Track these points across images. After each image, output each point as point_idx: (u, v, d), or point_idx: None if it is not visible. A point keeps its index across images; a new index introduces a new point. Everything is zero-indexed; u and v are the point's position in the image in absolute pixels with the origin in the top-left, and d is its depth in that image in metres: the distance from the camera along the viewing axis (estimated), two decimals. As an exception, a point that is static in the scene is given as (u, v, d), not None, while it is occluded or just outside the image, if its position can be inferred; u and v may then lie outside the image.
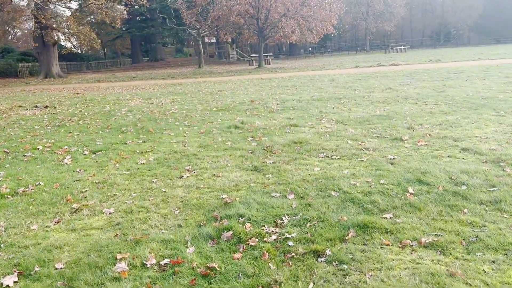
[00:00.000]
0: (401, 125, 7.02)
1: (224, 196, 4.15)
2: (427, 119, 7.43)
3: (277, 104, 10.70)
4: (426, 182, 4.18)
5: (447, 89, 11.08)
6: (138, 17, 54.19)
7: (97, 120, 9.72)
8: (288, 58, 53.54)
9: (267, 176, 4.77)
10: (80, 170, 5.54)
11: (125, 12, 37.44)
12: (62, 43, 41.55)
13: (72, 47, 33.59)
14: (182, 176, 4.97)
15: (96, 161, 5.98)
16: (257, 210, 3.75)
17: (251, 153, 5.86)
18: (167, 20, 39.33)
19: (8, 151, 6.86)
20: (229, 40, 56.11)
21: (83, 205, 4.17)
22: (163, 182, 4.80)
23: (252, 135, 7.07)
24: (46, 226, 3.74)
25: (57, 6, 41.61)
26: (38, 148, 6.91)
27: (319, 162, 5.22)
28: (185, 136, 7.41)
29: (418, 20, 73.22)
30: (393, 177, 4.41)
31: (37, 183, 5.01)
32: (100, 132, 8.24)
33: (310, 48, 68.34)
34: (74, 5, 43.92)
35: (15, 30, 60.20)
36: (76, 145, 7.11)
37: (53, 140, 7.56)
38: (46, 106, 13.06)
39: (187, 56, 65.79)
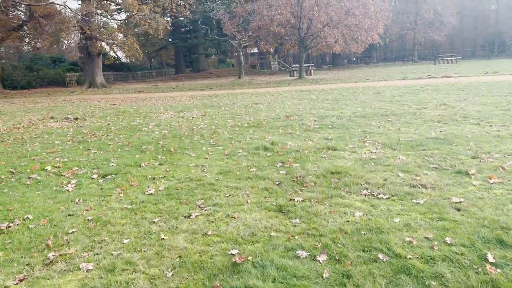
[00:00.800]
0: (463, 153, 5.77)
1: (234, 252, 3.19)
2: (496, 145, 6.12)
3: (315, 121, 9.65)
4: (511, 244, 3.03)
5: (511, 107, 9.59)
6: (182, 29, 55.01)
7: (121, 136, 9.11)
8: (330, 69, 52.11)
9: (293, 221, 3.76)
10: (79, 200, 4.78)
11: (167, 23, 37.85)
12: (111, 53, 42.59)
13: (116, 57, 34.16)
14: (190, 215, 4.07)
15: (101, 189, 5.21)
16: (274, 281, 2.76)
17: (277, 184, 4.88)
18: (209, 31, 39.27)
19: (14, 171, 6.28)
20: (271, 50, 55.61)
21: (60, 255, 3.35)
22: (166, 223, 3.92)
23: (282, 159, 6.09)
24: (4, 287, 2.94)
25: (104, 18, 42.89)
26: (46, 169, 6.29)
27: (361, 202, 4.15)
28: (207, 158, 6.54)
29: (469, 30, 69.42)
30: (462, 232, 3.27)
31: (26, 217, 4.29)
32: (119, 150, 7.56)
33: (354, 59, 66.58)
34: (121, 17, 45.00)
35: (69, 41, 62.83)
36: (87, 166, 6.42)
37: (66, 159, 6.94)
38: (76, 118, 12.74)
39: (229, 66, 66.08)
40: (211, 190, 4.86)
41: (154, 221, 3.98)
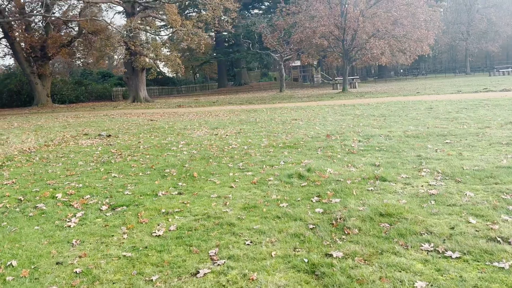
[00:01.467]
0: (552, 189, 4.55)
1: None
2: None
3: (359, 141, 8.58)
4: None
5: None
6: (225, 43, 55.36)
7: (147, 156, 8.49)
8: (376, 81, 50.21)
9: (329, 291, 2.80)
10: (76, 241, 4.07)
11: (210, 38, 37.99)
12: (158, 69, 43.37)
13: (158, 72, 34.56)
14: (198, 272, 3.21)
15: (105, 225, 4.49)
16: None
17: (311, 229, 3.92)
18: (251, 44, 38.99)
19: (23, 198, 5.74)
20: (314, 63, 54.62)
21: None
22: (165, 284, 3.08)
23: (318, 191, 5.13)
24: None
25: (150, 34, 43.87)
26: (56, 197, 5.69)
27: (422, 264, 3.11)
28: (232, 187, 5.69)
29: (528, 39, 64.87)
30: None
31: (9, 263, 3.62)
32: (140, 174, 6.90)
33: (401, 70, 64.09)
34: (166, 33, 45.92)
35: (116, 56, 65.10)
36: (101, 194, 5.77)
37: (81, 184, 6.34)
38: (109, 135, 12.39)
39: (271, 79, 65.62)
40: (229, 233, 3.99)
41: (152, 280, 3.16)
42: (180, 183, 6.05)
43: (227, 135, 11.06)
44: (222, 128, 12.66)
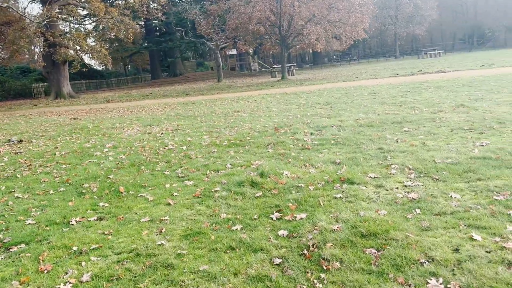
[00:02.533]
0: (543, 184, 3.94)
1: None
2: None
3: (311, 134, 7.74)
4: None
5: (551, 105, 7.87)
6: (156, 32, 52.64)
7: (63, 166, 7.01)
8: (312, 68, 50.54)
9: None
10: None
11: (137, 26, 35.55)
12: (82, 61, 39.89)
13: (83, 65, 31.59)
14: None
15: (-13, 281, 3.18)
16: None
17: (278, 266, 2.93)
18: (184, 33, 37.10)
19: None
20: (250, 51, 53.83)
21: None
22: None
23: (278, 203, 4.16)
24: None
25: (72, 24, 40.29)
26: None
27: (441, 317, 2.24)
28: (169, 203, 4.55)
29: (448, 23, 68.95)
30: None
31: None
32: (51, 191, 5.49)
33: (334, 57, 65.34)
34: (90, 22, 42.42)
35: (33, 49, 59.71)
36: (-8, 225, 4.35)
37: (-32, 213, 4.84)
38: (21, 141, 10.53)
39: (208, 69, 63.90)
40: (166, 281, 2.88)
41: None
42: (101, 203, 4.78)
43: (162, 133, 9.76)
44: (156, 125, 11.30)
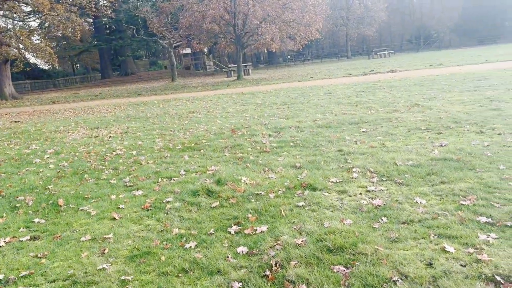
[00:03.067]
0: (504, 186, 3.87)
1: None
2: (538, 167, 4.31)
3: (269, 135, 7.47)
4: None
5: (500, 105, 8.06)
6: (106, 30, 50.58)
7: (-3, 175, 6.29)
8: (267, 68, 50.66)
9: None
10: None
11: (86, 24, 33.97)
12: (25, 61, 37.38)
13: (26, 63, 29.56)
14: None
15: None
16: None
17: (238, 291, 2.60)
18: (135, 31, 35.82)
19: None
20: (204, 50, 53.26)
21: None
22: None
23: (236, 214, 3.82)
24: None
25: (13, 20, 37.78)
26: None
27: None
28: (115, 218, 4.08)
29: (397, 24, 71.71)
30: None
31: None
32: (-22, 207, 4.83)
33: (289, 56, 65.98)
34: (33, 19, 39.97)
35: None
36: None
37: None
38: (-51, 147, 9.49)
39: (161, 68, 62.36)
40: (108, 317, 2.46)
41: None
42: (36, 219, 4.22)
43: (110, 136, 9.13)
44: (104, 128, 10.60)
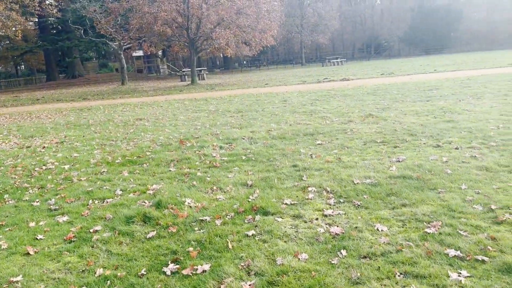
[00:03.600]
0: (469, 209, 3.60)
1: None
2: (500, 187, 4.10)
3: (220, 147, 6.96)
4: None
5: (453, 116, 8.05)
6: (53, 30, 47.91)
7: None
8: (223, 73, 50.16)
9: None
10: None
11: (31, 23, 31.91)
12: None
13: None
14: None
15: None
16: None
17: None
18: (83, 31, 34.04)
19: None
20: (157, 52, 52.06)
21: None
22: None
23: (175, 248, 3.27)
24: None
25: None
26: None
27: None
28: (29, 252, 3.40)
29: (349, 33, 73.86)
30: None
31: None
32: None
33: (245, 62, 65.88)
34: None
35: None
36: None
37: None
38: None
39: (112, 71, 60.04)
40: None
41: None
42: None
43: (44, 147, 8.23)
44: (39, 137, 9.63)
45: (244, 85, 22.88)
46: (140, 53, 48.30)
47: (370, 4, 72.53)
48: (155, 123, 10.49)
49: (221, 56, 63.10)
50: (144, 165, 6.15)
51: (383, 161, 5.32)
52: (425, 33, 58.83)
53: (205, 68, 47.76)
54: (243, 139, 7.50)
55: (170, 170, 5.72)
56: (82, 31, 34.53)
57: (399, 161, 5.26)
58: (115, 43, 33.23)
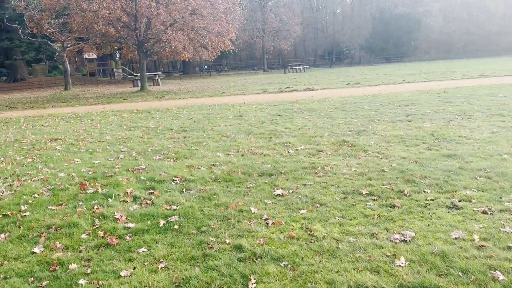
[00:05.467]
0: None
1: None
2: None
3: (135, 199, 4.72)
4: None
5: (451, 147, 6.22)
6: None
7: None
8: (181, 77, 47.48)
9: None
10: None
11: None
12: None
13: None
14: None
15: None
16: None
17: None
18: (20, 31, 30.52)
19: None
20: (113, 54, 48.82)
21: None
22: None
23: None
24: None
25: None
26: None
27: None
28: None
29: (310, 40, 73.23)
30: None
31: None
32: None
33: (206, 66, 63.49)
34: None
35: None
36: None
37: None
38: None
39: (62, 74, 55.75)
40: None
41: None
42: None
43: None
44: None
45: (199, 94, 20.60)
46: (93, 55, 44.84)
47: (332, 11, 72.17)
48: (69, 148, 8.07)
49: (181, 60, 60.38)
50: (2, 235, 3.83)
51: (380, 241, 3.30)
52: (385, 41, 58.80)
53: (160, 72, 45.00)
54: (174, 181, 5.30)
55: (33, 253, 3.44)
56: (19, 31, 30.99)
57: (405, 240, 3.26)
58: (58, 44, 30.00)
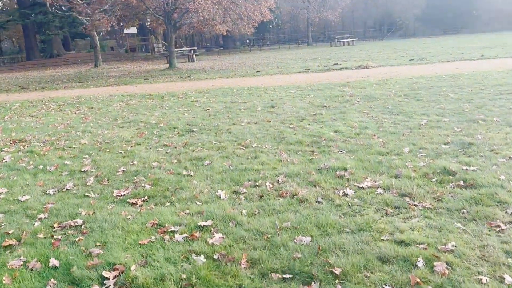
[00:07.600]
0: None
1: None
2: None
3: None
4: None
5: None
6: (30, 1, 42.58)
7: None
8: (220, 53, 44.62)
9: None
10: None
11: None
12: None
13: None
14: None
15: None
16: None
17: None
18: (47, 4, 28.77)
19: None
20: (156, 29, 46.84)
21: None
22: None
23: None
24: None
25: None
26: None
27: None
28: None
29: (360, 10, 67.37)
30: None
31: None
32: None
33: (247, 40, 60.29)
34: None
35: None
36: None
37: None
38: None
39: (105, 50, 54.72)
40: None
41: None
42: None
43: None
44: None
45: (231, 73, 17.70)
46: (133, 30, 42.90)
47: (385, -22, 65.87)
48: (19, 158, 5.53)
49: (221, 34, 57.58)
50: None
51: None
52: (443, 11, 52.62)
53: (195, 48, 42.36)
54: (102, 284, 2.51)
55: None
56: (47, 4, 29.25)
57: None
58: (86, 18, 28.00)
